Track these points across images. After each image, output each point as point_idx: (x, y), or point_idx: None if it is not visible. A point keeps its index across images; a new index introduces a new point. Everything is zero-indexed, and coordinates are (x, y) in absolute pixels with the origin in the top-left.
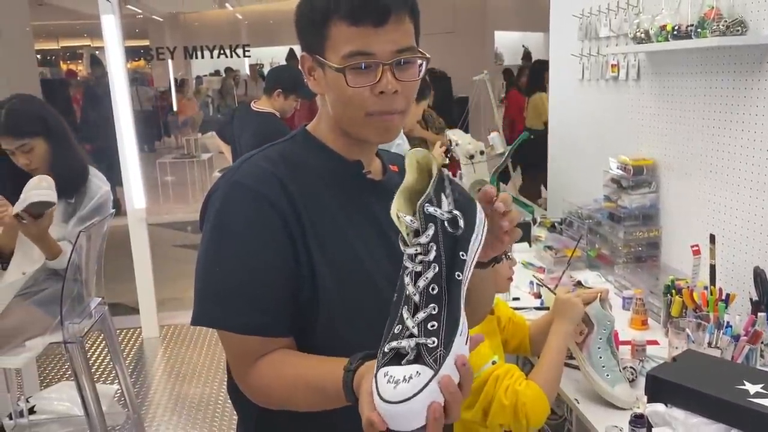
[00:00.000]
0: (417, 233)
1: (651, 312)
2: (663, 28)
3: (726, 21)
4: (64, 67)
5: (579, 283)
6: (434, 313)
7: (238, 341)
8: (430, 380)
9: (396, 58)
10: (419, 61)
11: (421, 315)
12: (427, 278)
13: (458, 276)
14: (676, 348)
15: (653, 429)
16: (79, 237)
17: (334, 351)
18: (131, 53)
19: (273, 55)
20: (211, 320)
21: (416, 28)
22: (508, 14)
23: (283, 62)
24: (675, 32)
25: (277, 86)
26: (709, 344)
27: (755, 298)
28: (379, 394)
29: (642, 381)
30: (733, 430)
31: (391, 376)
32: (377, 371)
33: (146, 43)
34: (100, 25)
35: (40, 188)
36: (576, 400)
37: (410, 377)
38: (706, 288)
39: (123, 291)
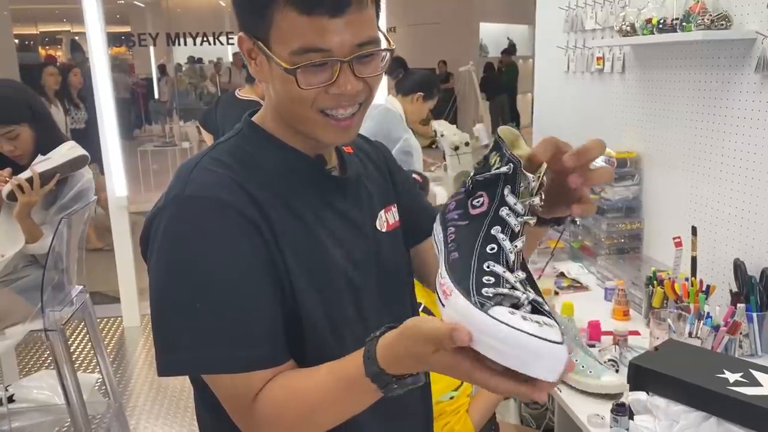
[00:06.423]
0: (531, 194)
1: (633, 303)
2: (648, 21)
3: (711, 15)
4: (42, 52)
5: (562, 275)
6: (524, 277)
7: (240, 380)
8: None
9: (356, 53)
10: (383, 53)
11: (520, 274)
12: (522, 242)
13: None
14: (657, 338)
15: (635, 417)
16: (60, 224)
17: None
18: (112, 39)
19: None
20: (209, 365)
21: (377, 10)
22: (494, 6)
23: None
24: (660, 25)
25: None
26: (690, 334)
27: (735, 289)
28: (504, 322)
29: (624, 371)
30: (713, 417)
31: (524, 316)
32: (487, 310)
33: (128, 29)
34: (80, 10)
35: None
36: (558, 389)
37: (548, 324)
38: (687, 279)
39: (104, 280)
